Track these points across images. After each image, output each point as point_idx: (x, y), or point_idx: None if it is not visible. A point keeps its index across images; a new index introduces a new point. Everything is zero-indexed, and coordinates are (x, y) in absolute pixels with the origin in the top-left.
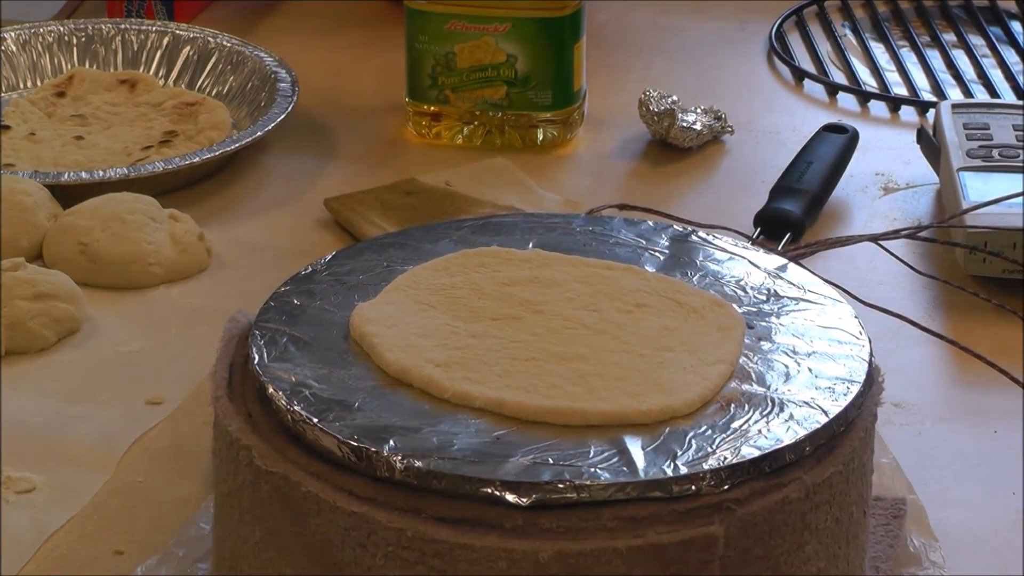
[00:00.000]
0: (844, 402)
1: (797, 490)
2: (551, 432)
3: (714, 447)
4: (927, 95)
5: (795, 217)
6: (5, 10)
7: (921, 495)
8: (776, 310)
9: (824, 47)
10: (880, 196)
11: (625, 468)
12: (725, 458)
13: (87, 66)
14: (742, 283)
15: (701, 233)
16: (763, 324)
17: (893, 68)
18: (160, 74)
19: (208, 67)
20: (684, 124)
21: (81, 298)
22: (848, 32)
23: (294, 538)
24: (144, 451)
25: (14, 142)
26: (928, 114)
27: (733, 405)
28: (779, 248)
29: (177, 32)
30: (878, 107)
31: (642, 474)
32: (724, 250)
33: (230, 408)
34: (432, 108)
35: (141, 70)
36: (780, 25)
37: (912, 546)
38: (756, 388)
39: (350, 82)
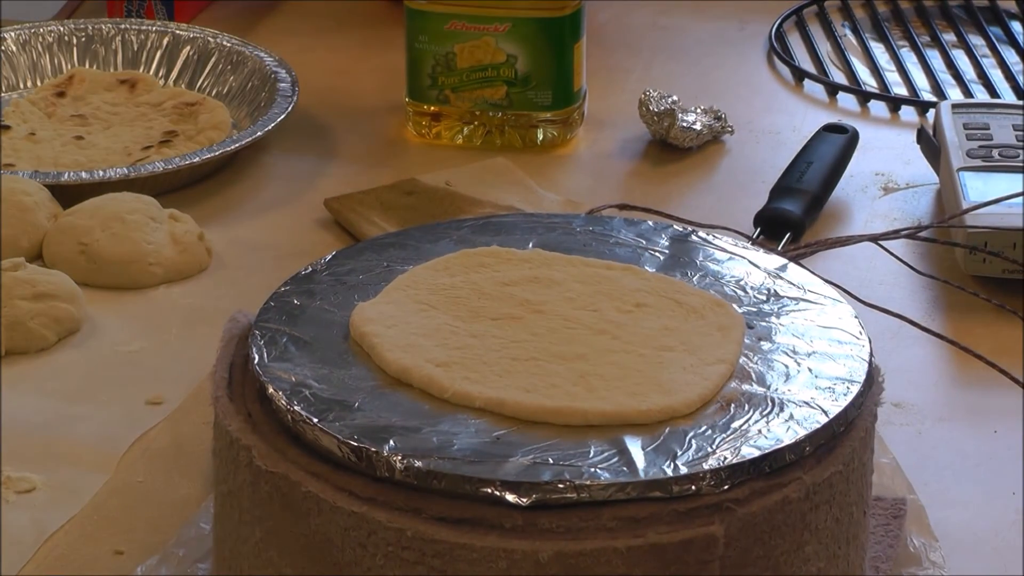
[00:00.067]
0: (844, 402)
1: (797, 490)
2: (551, 432)
3: (714, 447)
4: (927, 95)
5: (795, 217)
6: (5, 10)
7: (921, 495)
8: (776, 310)
9: (824, 47)
10: (880, 196)
11: (625, 468)
12: (725, 458)
13: (87, 66)
14: (742, 283)
15: (701, 233)
16: (763, 324)
17: (893, 68)
18: (160, 74)
19: (208, 67)
20: (684, 124)
21: (81, 298)
22: (848, 32)
23: (294, 538)
24: (144, 451)
25: (14, 142)
26: (928, 114)
27: (733, 405)
28: (779, 248)
29: (177, 32)
30: (878, 107)
31: (642, 474)
32: (724, 250)
33: (230, 408)
34: (432, 108)
35: (141, 70)
36: (780, 25)
37: (912, 546)
38: (756, 388)
39: (350, 82)
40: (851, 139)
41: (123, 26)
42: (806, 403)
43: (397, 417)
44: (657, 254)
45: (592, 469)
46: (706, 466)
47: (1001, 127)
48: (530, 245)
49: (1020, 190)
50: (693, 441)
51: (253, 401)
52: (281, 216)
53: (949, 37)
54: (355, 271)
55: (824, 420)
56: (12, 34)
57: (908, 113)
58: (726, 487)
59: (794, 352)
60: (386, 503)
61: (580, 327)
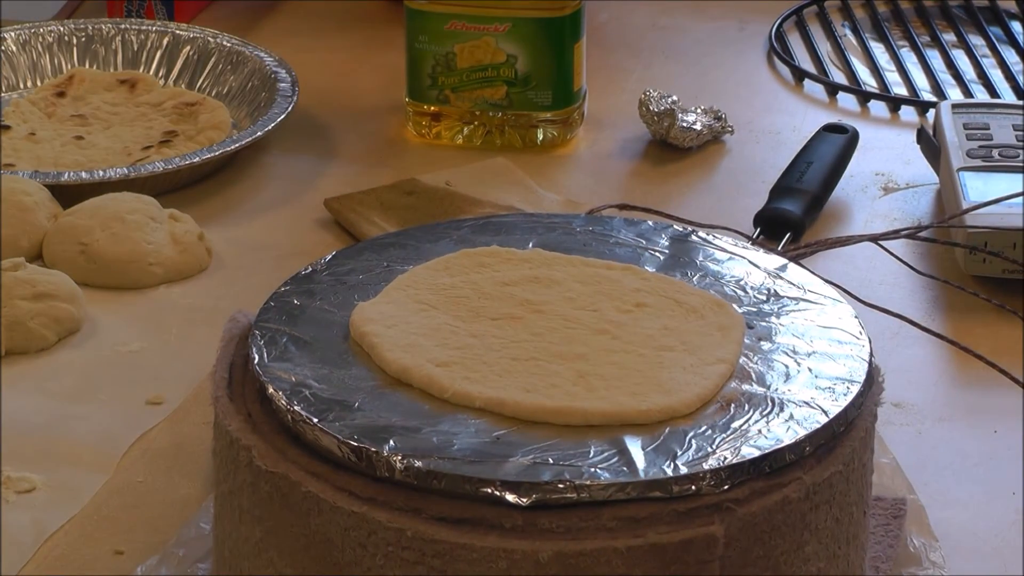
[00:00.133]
0: (844, 402)
1: (797, 490)
2: (551, 432)
3: (714, 447)
4: (927, 95)
5: (795, 217)
6: (5, 10)
7: (921, 495)
8: (776, 310)
9: (824, 47)
10: (880, 196)
11: (625, 468)
12: (725, 458)
13: (87, 66)
14: (742, 283)
15: (701, 233)
16: (763, 324)
17: (893, 68)
18: (160, 74)
19: (208, 67)
20: (684, 124)
21: (81, 298)
22: (848, 32)
23: (294, 538)
24: (144, 451)
25: (14, 142)
26: (928, 114)
27: (733, 405)
28: (779, 248)
29: (177, 32)
30: (878, 107)
31: (642, 474)
32: (724, 250)
33: (230, 408)
34: (432, 108)
35: (141, 70)
36: (780, 25)
37: (912, 546)
38: (756, 388)
39: (350, 82)
40: (851, 139)
41: (123, 26)
42: (806, 403)
43: (397, 417)
44: (657, 254)
45: (592, 469)
46: (706, 466)
47: (1001, 127)
48: (530, 245)
49: (1020, 190)
50: (693, 441)
51: (253, 401)
52: (281, 216)
53: (949, 37)
54: (355, 271)
55: (824, 420)
56: (12, 34)
57: (908, 113)
58: (726, 487)
59: (794, 352)
60: (386, 503)
61: (580, 327)
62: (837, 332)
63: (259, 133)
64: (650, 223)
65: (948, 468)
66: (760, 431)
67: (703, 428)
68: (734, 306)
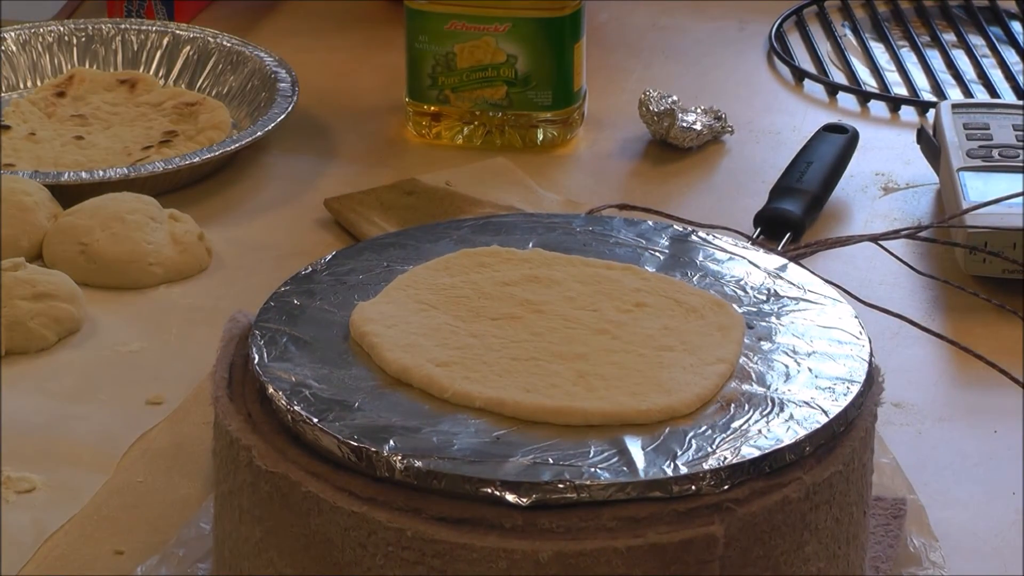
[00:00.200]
0: (844, 402)
1: (797, 490)
2: (551, 432)
3: (714, 447)
4: (927, 95)
5: (795, 217)
6: (5, 10)
7: (921, 495)
8: (776, 310)
9: (824, 47)
10: (880, 196)
11: (625, 468)
12: (725, 458)
13: (87, 66)
14: (742, 283)
15: (701, 233)
16: (763, 324)
17: (893, 68)
18: (160, 74)
19: (208, 67)
20: (684, 124)
21: (81, 298)
22: (848, 32)
23: (294, 538)
24: (144, 451)
25: (14, 142)
26: (928, 114)
27: (733, 405)
28: (779, 248)
29: (177, 32)
30: (878, 107)
31: (642, 474)
32: (724, 250)
33: (230, 408)
34: (432, 108)
35: (141, 70)
36: (780, 25)
37: (912, 546)
38: (756, 388)
39: (350, 82)
40: (851, 139)
41: (123, 26)
42: (806, 403)
43: (397, 417)
44: (657, 254)
45: (592, 469)
46: (706, 466)
47: (1001, 127)
48: (530, 245)
49: (1020, 190)
50: (693, 441)
51: (253, 401)
52: (281, 216)
53: (949, 37)
54: (355, 271)
55: (824, 420)
56: (12, 34)
57: (908, 113)
58: (726, 487)
59: (794, 352)
60: (386, 503)
61: (580, 327)
62: (837, 332)
63: (259, 133)
64: (650, 223)
65: (948, 468)
66: (760, 431)
67: (703, 428)
68: (734, 306)
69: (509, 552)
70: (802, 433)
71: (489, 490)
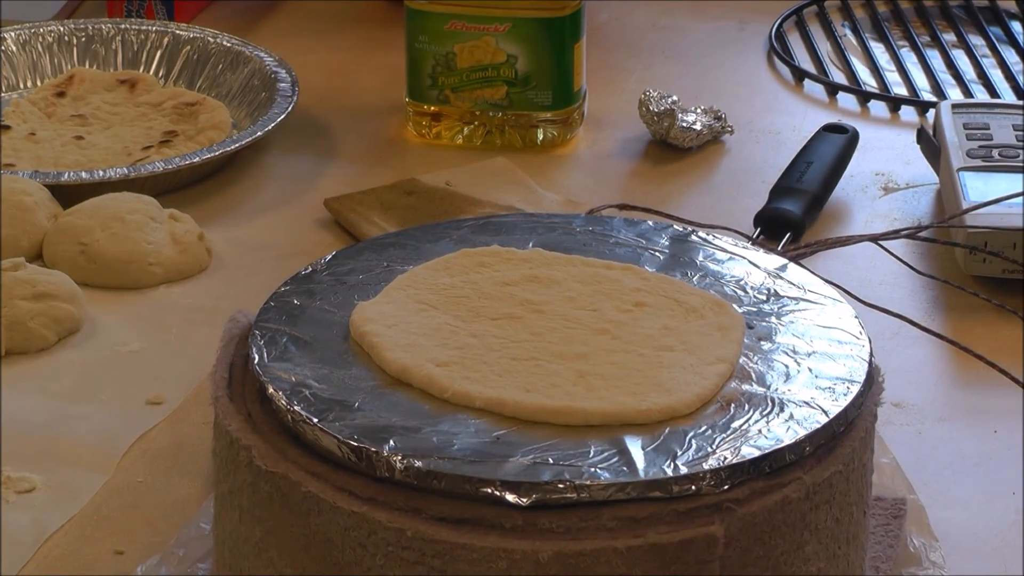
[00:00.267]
0: (844, 402)
1: (797, 490)
2: (551, 432)
3: (714, 447)
4: (927, 95)
5: (795, 217)
6: (5, 10)
7: (921, 495)
8: (776, 310)
9: (824, 47)
10: (880, 196)
11: (625, 468)
12: (725, 458)
13: (87, 66)
14: (742, 283)
15: (701, 233)
16: (763, 324)
17: (893, 68)
18: (160, 74)
19: (208, 67)
20: (684, 124)
21: (81, 298)
22: (848, 32)
23: (294, 538)
24: (144, 451)
25: (14, 142)
26: (928, 114)
27: (733, 405)
28: (779, 248)
29: (177, 32)
30: (878, 107)
31: (642, 474)
32: (724, 250)
33: (230, 408)
34: (432, 108)
35: (141, 70)
36: (780, 25)
37: (912, 546)
38: (756, 388)
39: (350, 82)
40: (851, 139)
41: (123, 26)
42: (806, 403)
43: (397, 417)
44: (657, 254)
45: (592, 469)
46: (706, 466)
47: (1001, 127)
48: (530, 245)
49: (1020, 190)
50: (693, 441)
51: (253, 401)
52: (281, 216)
53: (949, 37)
54: (355, 271)
55: (824, 420)
56: (12, 34)
57: (908, 113)
58: (726, 487)
59: (794, 352)
60: (386, 503)
61: (580, 327)
62: (837, 332)
63: (259, 133)
64: (650, 223)
65: (948, 468)
66: (760, 431)
67: (703, 428)
68: (734, 306)
69: (509, 552)
70: (802, 433)
71: (489, 490)
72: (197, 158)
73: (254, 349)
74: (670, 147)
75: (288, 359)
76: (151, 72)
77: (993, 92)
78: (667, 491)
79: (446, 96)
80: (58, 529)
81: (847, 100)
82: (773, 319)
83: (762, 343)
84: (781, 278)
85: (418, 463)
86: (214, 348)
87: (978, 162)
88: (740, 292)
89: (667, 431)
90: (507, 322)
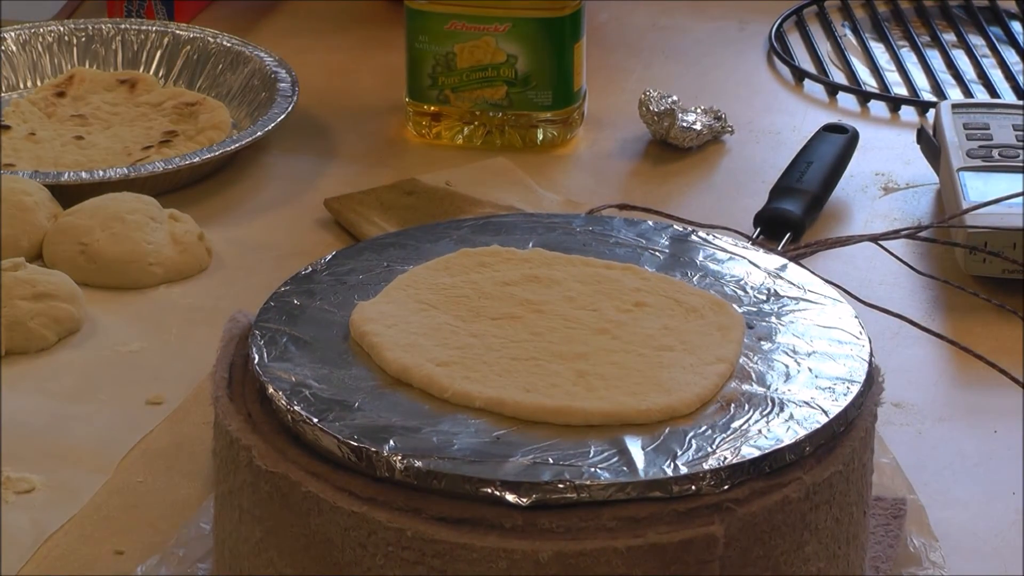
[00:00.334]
0: (844, 402)
1: (797, 490)
2: (551, 432)
3: (714, 447)
4: (927, 95)
5: (795, 217)
6: (5, 10)
7: (921, 495)
8: (776, 310)
9: (824, 47)
10: (880, 196)
11: (625, 468)
12: (725, 458)
13: (87, 66)
14: (742, 283)
15: (701, 233)
16: (763, 324)
17: (893, 68)
18: (160, 74)
19: (208, 67)
20: (684, 124)
21: (81, 298)
22: (848, 32)
23: (294, 538)
24: (144, 451)
25: (14, 142)
26: (928, 114)
27: (733, 405)
28: (779, 248)
29: (177, 32)
30: (878, 107)
31: (642, 474)
32: (724, 250)
33: (230, 408)
34: (432, 108)
35: (141, 70)
36: (780, 25)
37: (912, 546)
38: (756, 388)
39: (350, 82)
40: (851, 139)
41: (123, 26)
42: (806, 403)
43: (397, 417)
44: (657, 254)
45: (592, 469)
46: (706, 466)
47: (1001, 127)
48: (530, 245)
49: (1020, 190)
50: (693, 441)
51: (253, 401)
52: (281, 216)
53: (949, 37)
54: (355, 271)
55: (824, 420)
56: (12, 34)
57: (908, 113)
58: (726, 487)
59: (794, 352)
60: (386, 503)
61: (580, 327)
62: (837, 332)
63: (259, 133)
64: (650, 223)
65: (948, 468)
66: (760, 431)
67: (703, 428)
68: (734, 306)
69: (509, 552)
70: (802, 433)
71: (489, 490)
72: (197, 158)
73: (254, 349)
74: (670, 147)
75: (288, 359)
76: (151, 72)
77: (993, 92)
78: (667, 491)
79: (446, 96)
80: (58, 529)
81: (847, 100)
82: (773, 319)
83: (762, 343)
84: (781, 278)
85: (418, 463)
86: (214, 348)
87: (978, 162)
88: (740, 292)
89: (667, 431)
90: (507, 322)
